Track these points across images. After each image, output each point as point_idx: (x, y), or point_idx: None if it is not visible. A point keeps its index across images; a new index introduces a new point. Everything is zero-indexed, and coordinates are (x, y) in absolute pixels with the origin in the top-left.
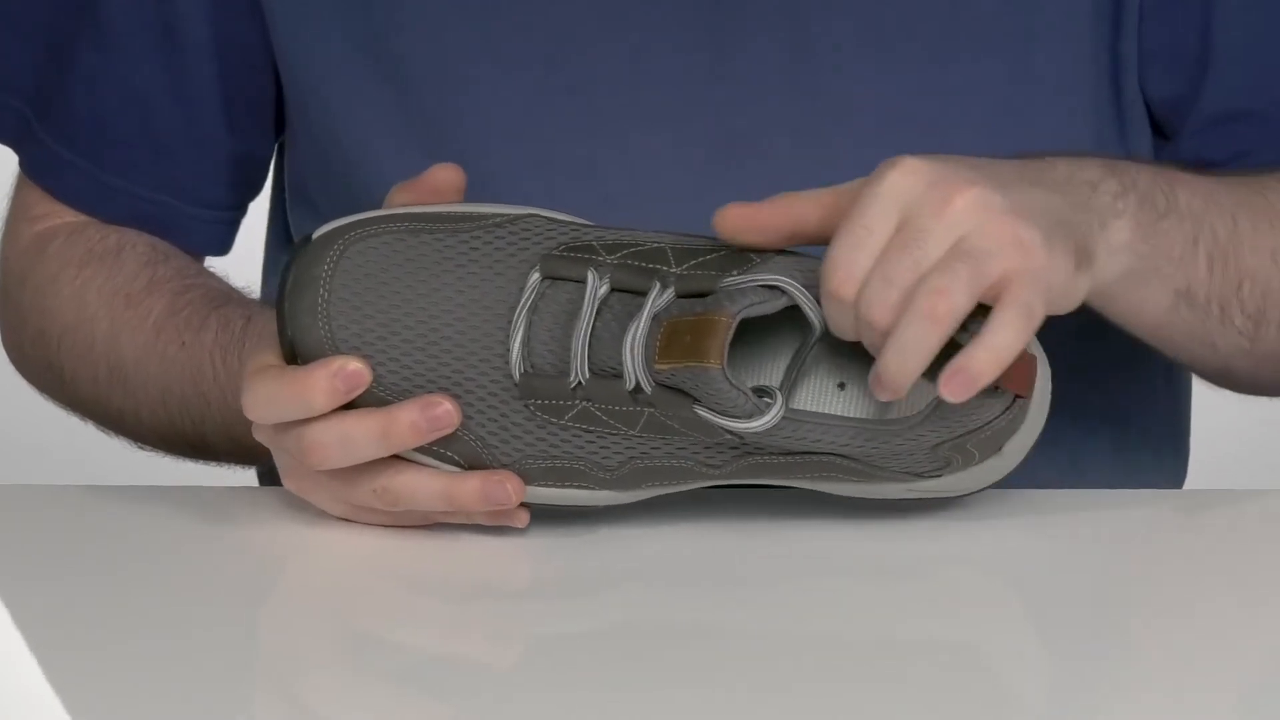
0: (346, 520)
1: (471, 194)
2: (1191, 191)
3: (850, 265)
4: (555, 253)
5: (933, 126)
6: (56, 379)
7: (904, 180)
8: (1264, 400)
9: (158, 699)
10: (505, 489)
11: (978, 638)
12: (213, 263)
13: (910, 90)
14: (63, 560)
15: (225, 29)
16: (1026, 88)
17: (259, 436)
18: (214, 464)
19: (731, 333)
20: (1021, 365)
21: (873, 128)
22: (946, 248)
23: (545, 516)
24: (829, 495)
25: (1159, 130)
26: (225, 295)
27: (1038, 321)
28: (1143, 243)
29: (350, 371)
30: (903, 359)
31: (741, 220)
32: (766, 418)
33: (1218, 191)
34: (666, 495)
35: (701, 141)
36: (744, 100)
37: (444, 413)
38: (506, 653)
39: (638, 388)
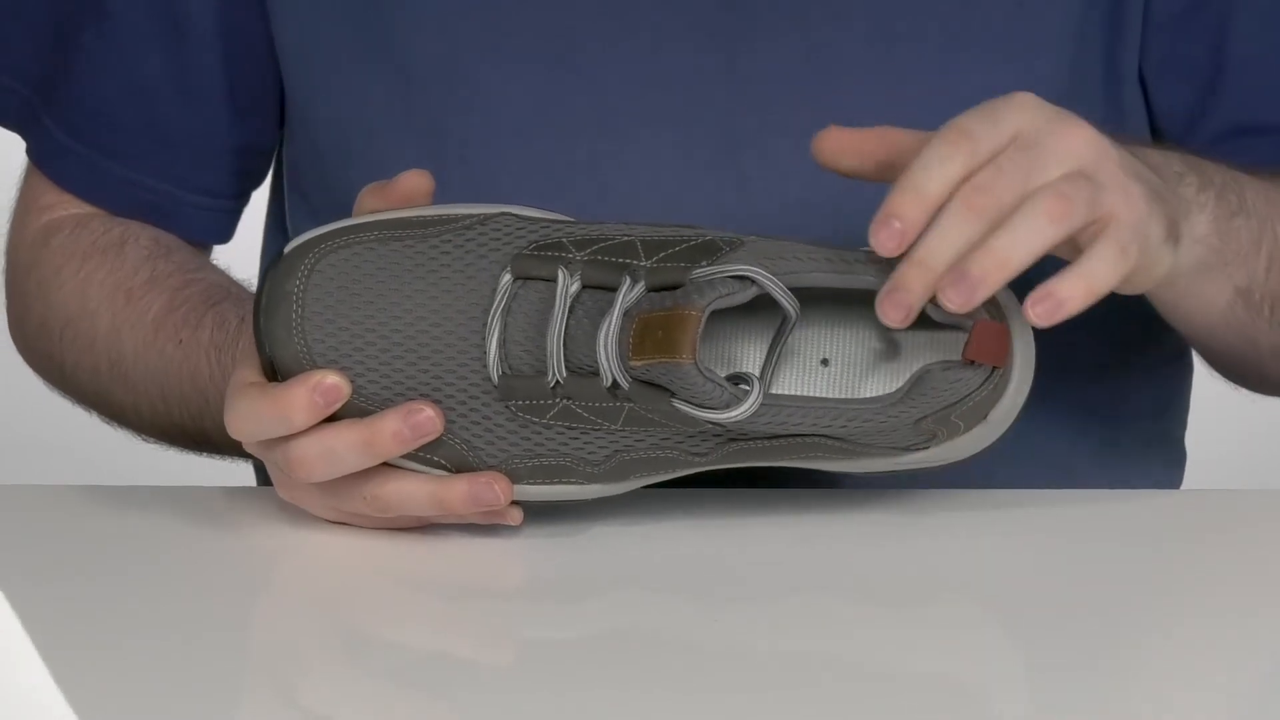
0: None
1: (475, 192)
2: (1256, 191)
3: (943, 163)
4: (526, 252)
5: None
6: (58, 370)
7: (1024, 103)
8: (1263, 401)
9: (157, 698)
10: (494, 490)
11: (973, 640)
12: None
13: (917, 97)
14: (63, 560)
15: (231, 20)
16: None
17: (250, 450)
18: (216, 456)
19: (701, 326)
20: (992, 337)
21: None
22: (1062, 172)
23: (539, 515)
24: (825, 495)
25: (1158, 140)
26: (224, 291)
27: (1131, 265)
28: (1217, 237)
29: (328, 386)
30: (1009, 251)
31: (841, 144)
32: (744, 406)
33: (1274, 194)
34: (660, 489)
35: (707, 142)
36: (752, 102)
37: (426, 419)
38: (501, 654)
39: (615, 384)
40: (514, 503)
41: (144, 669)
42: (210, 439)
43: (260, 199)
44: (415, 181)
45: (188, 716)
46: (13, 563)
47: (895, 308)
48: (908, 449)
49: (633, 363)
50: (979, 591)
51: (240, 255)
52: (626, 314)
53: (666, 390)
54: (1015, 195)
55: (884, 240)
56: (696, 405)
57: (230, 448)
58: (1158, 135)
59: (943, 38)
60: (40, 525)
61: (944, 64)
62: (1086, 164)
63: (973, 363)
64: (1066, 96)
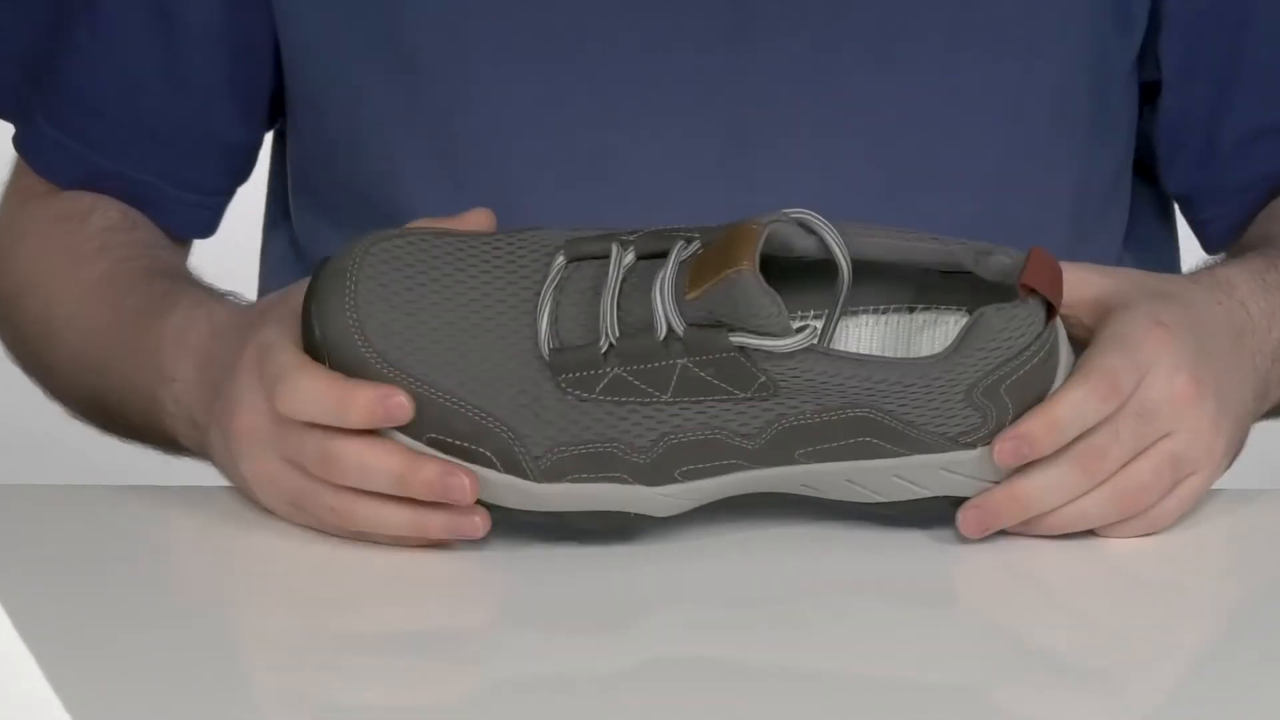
0: None
1: (481, 188)
2: None
3: (1085, 414)
4: (578, 237)
5: (940, 129)
6: (15, 337)
7: (1173, 365)
8: None
9: (155, 698)
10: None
11: (981, 643)
12: (207, 247)
13: (920, 93)
14: (62, 560)
15: (227, 17)
16: (1031, 94)
17: (259, 437)
18: (128, 441)
19: (762, 239)
20: (1047, 265)
21: (882, 129)
22: (1166, 434)
23: (543, 534)
24: (848, 516)
25: (1142, 147)
26: (171, 270)
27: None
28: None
29: (395, 403)
30: (1070, 524)
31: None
32: (802, 335)
33: None
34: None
35: (713, 137)
36: (758, 97)
37: (462, 485)
38: (501, 657)
39: (669, 335)
40: (557, 514)
41: (143, 668)
42: (126, 415)
43: (260, 202)
44: (478, 219)
45: (186, 716)
46: (12, 562)
47: (977, 526)
48: (956, 439)
49: (690, 296)
50: (984, 595)
51: (241, 257)
52: (682, 265)
53: (723, 327)
54: (1121, 464)
55: (1007, 453)
56: (753, 333)
57: (147, 431)
58: (1150, 137)
59: (946, 35)
60: (40, 525)
61: (947, 61)
62: (1195, 443)
63: (1030, 293)
64: (1063, 94)
